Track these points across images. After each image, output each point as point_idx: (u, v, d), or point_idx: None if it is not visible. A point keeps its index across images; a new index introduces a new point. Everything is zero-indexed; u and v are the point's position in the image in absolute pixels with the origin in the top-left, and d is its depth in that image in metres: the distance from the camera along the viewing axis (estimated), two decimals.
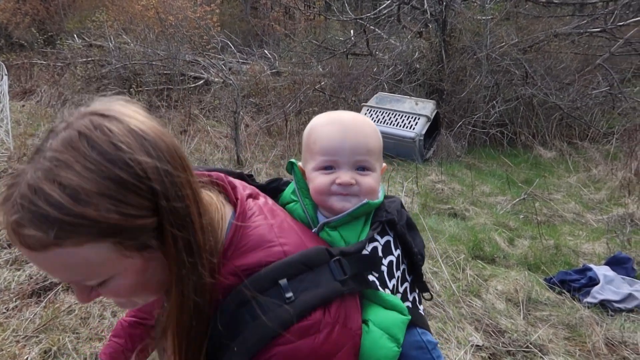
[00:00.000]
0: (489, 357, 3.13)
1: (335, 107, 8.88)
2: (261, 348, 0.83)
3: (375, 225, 1.11)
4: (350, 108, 8.64)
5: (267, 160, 6.61)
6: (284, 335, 0.83)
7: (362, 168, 1.10)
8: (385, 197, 1.23)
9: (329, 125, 1.12)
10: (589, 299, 3.70)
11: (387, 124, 7.32)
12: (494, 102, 8.39)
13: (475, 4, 10.59)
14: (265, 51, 12.62)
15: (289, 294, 0.87)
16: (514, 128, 8.51)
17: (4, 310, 3.26)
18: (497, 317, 3.52)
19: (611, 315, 3.58)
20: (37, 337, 2.99)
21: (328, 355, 0.87)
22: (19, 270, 3.78)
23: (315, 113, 7.95)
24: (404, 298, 1.14)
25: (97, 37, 13.12)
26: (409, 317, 1.05)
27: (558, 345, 3.25)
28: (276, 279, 0.87)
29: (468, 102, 8.65)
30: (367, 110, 7.61)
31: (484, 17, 9.04)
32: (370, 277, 1.04)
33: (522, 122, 8.55)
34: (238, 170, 1.21)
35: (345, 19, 10.60)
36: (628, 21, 9.26)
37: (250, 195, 1.01)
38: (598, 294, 3.71)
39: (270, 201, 1.06)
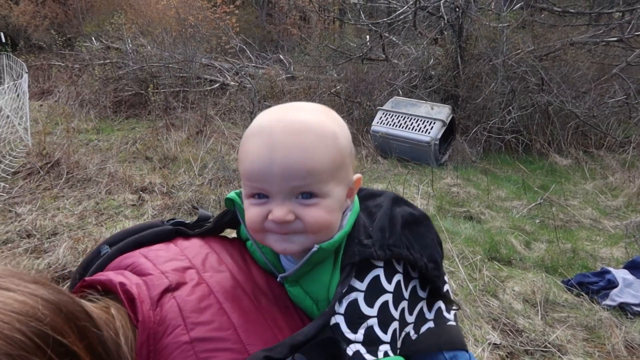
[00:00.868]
0: (507, 356, 3.11)
1: (350, 112, 8.92)
2: None
3: (346, 271, 0.85)
4: (365, 112, 8.67)
5: None
6: None
7: (305, 195, 0.82)
8: (370, 196, 1.01)
9: (255, 138, 0.83)
10: (607, 302, 3.66)
11: (402, 127, 7.33)
12: (510, 108, 8.36)
13: (491, 11, 10.59)
14: (281, 56, 12.72)
15: None
16: (530, 135, 8.47)
17: None
18: (515, 316, 3.49)
19: (630, 319, 3.54)
20: None
21: None
22: (38, 258, 3.84)
23: None
24: (421, 320, 0.95)
25: (115, 40, 13.31)
26: None
27: (577, 346, 3.21)
28: None
29: (483, 109, 8.63)
30: (383, 114, 7.62)
31: (500, 25, 9.04)
32: (365, 325, 0.83)
33: (538, 129, 8.50)
34: (171, 224, 0.99)
35: (361, 24, 10.66)
36: None
37: (165, 291, 0.81)
38: (617, 296, 3.67)
39: (200, 281, 0.84)
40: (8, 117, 8.02)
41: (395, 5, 11.17)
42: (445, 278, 1.03)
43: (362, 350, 0.82)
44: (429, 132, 7.15)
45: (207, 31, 11.24)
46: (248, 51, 12.39)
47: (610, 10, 10.59)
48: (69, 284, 0.99)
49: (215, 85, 10.87)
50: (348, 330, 0.83)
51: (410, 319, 0.92)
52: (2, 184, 5.51)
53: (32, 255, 3.88)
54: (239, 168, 0.87)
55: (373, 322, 0.84)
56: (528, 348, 3.16)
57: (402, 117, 7.46)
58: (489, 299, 3.69)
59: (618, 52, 9.99)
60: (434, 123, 7.24)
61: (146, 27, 13.38)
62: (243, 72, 11.23)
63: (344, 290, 0.84)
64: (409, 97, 8.53)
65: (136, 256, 0.89)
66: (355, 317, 0.84)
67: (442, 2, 9.27)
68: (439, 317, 0.96)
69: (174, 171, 6.23)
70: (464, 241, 4.64)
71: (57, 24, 19.13)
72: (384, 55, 10.10)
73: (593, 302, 3.69)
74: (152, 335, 0.77)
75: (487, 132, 8.24)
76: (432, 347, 0.93)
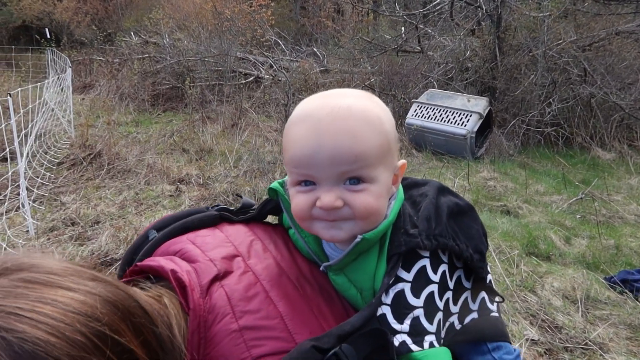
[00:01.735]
0: (545, 352, 3.04)
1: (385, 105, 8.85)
2: None
3: (393, 261, 0.85)
4: (400, 105, 8.59)
5: None
6: None
7: (353, 180, 0.81)
8: (414, 185, 1.00)
9: (299, 125, 0.82)
10: None
11: (438, 120, 7.22)
12: (550, 100, 8.12)
13: (531, 0, 10.29)
14: (315, 49, 12.72)
15: None
16: (571, 128, 8.21)
17: None
18: (554, 313, 3.40)
19: None
20: None
21: None
22: (82, 245, 3.98)
23: None
24: (465, 310, 0.94)
25: (153, 35, 13.61)
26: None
27: (619, 344, 3.11)
28: None
29: (522, 101, 8.42)
30: (418, 106, 7.53)
31: (540, 14, 8.77)
32: (410, 316, 0.83)
33: (580, 121, 8.23)
34: (216, 210, 1.00)
35: (396, 15, 10.53)
36: None
37: (214, 279, 0.83)
38: None
39: (246, 269, 0.85)
40: (53, 110, 8.33)
41: None
42: (488, 269, 1.01)
43: (408, 340, 0.82)
44: (465, 125, 7.03)
45: (243, 24, 11.34)
46: (282, 44, 12.44)
47: None
48: (118, 268, 1.00)
49: (250, 79, 10.97)
50: (394, 321, 0.82)
51: (454, 309, 0.92)
52: (48, 174, 5.73)
53: (77, 242, 4.03)
54: (284, 156, 0.86)
55: (419, 312, 0.83)
56: (568, 345, 3.08)
57: (437, 109, 7.35)
58: (527, 295, 3.61)
59: None
60: (471, 116, 7.11)
61: (183, 21, 13.61)
62: (277, 66, 11.29)
63: (390, 281, 0.83)
64: (444, 90, 8.40)
65: (184, 242, 0.90)
66: (401, 308, 0.83)
67: None
68: (482, 308, 0.95)
69: (210, 163, 6.33)
70: (501, 235, 4.55)
71: (98, 20, 19.69)
72: (419, 47, 9.97)
73: (637, 300, 3.56)
74: (203, 323, 0.78)
75: (526, 125, 8.03)
76: (475, 337, 0.93)
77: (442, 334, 0.88)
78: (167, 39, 12.26)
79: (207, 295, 0.80)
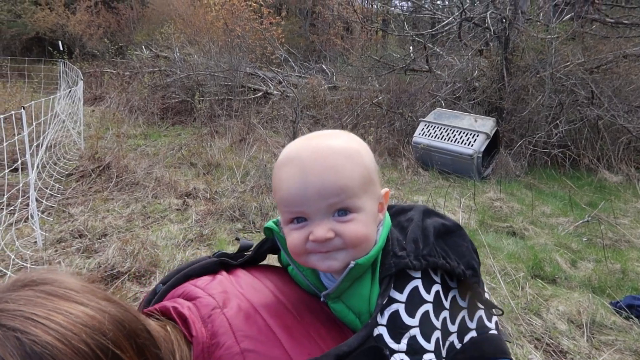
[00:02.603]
0: None
1: (392, 123, 8.91)
2: None
3: (385, 283, 0.88)
4: (407, 123, 8.64)
5: None
6: None
7: (341, 212, 0.87)
8: (401, 211, 1.04)
9: (286, 167, 0.89)
10: None
11: (445, 139, 7.26)
12: (557, 122, 8.14)
13: (539, 22, 10.37)
14: (323, 66, 12.85)
15: None
16: (578, 150, 8.21)
17: None
18: (559, 337, 3.38)
19: None
20: None
21: None
22: (89, 258, 4.00)
23: (372, 127, 8.03)
24: (463, 329, 0.96)
25: (164, 49, 13.80)
26: None
27: None
28: None
29: (529, 122, 8.44)
30: (425, 125, 7.57)
31: (548, 36, 8.84)
32: (404, 340, 0.86)
33: (587, 144, 8.24)
34: (216, 256, 1.05)
35: (405, 35, 10.64)
36: None
37: (214, 308, 0.87)
38: None
39: (245, 302, 0.90)
40: (64, 121, 8.43)
41: (440, 17, 11.10)
42: (484, 285, 1.03)
43: (406, 359, 0.84)
44: (472, 145, 7.05)
45: (253, 41, 11.50)
46: (291, 61, 12.58)
47: None
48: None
49: (259, 94, 11.07)
50: (391, 341, 0.86)
51: (452, 328, 0.93)
52: (57, 185, 5.79)
53: (84, 255, 4.06)
54: (274, 197, 0.93)
55: (415, 331, 0.86)
56: None
57: (444, 129, 7.39)
58: (532, 318, 3.59)
59: None
60: (477, 135, 7.14)
61: (194, 36, 13.80)
62: (286, 82, 11.40)
63: (384, 302, 0.87)
64: (451, 109, 8.44)
65: (186, 286, 0.97)
66: (397, 328, 0.86)
67: (488, 13, 9.16)
68: (481, 327, 0.97)
69: (218, 177, 6.38)
70: (507, 257, 4.54)
71: (110, 33, 20.00)
72: (427, 67, 10.05)
73: None
74: (207, 349, 0.82)
75: (533, 146, 8.04)
76: (475, 356, 0.94)
77: (443, 353, 0.91)
78: (178, 54, 12.43)
79: (209, 323, 0.85)
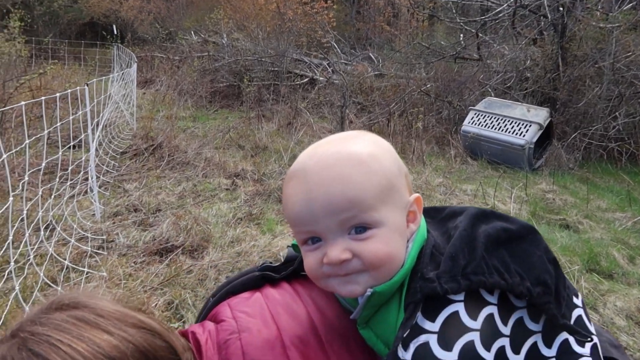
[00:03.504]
0: None
1: (439, 111, 8.76)
2: None
3: (409, 311, 0.76)
4: (455, 112, 8.47)
5: None
6: None
7: (359, 229, 0.77)
8: (452, 215, 0.89)
9: (291, 182, 0.80)
10: None
11: (495, 129, 7.08)
12: (616, 114, 7.80)
13: (599, 11, 9.91)
14: (370, 54, 12.73)
15: None
16: (637, 144, 7.84)
17: (133, 264, 3.58)
18: (617, 333, 3.27)
19: None
20: (161, 289, 3.25)
21: None
22: (144, 231, 4.14)
23: (419, 114, 7.92)
24: (535, 357, 0.78)
25: (212, 34, 14.00)
26: None
27: None
28: None
29: (584, 114, 8.12)
30: (475, 114, 7.40)
31: (608, 25, 8.44)
32: None
33: None
34: (259, 269, 1.01)
35: (455, 22, 10.40)
36: None
37: (232, 333, 0.86)
38: None
39: (270, 327, 0.86)
40: (117, 103, 8.71)
41: (492, 4, 10.77)
42: (577, 301, 0.85)
43: None
44: (524, 135, 6.85)
45: (305, 25, 11.52)
46: (338, 48, 12.53)
47: None
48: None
49: (305, 80, 11.10)
50: None
51: (516, 358, 0.76)
52: (113, 162, 6.00)
53: (140, 228, 4.20)
54: (284, 216, 0.85)
55: None
56: None
57: (495, 118, 7.20)
58: (588, 312, 3.48)
59: None
60: (530, 126, 6.93)
61: (242, 22, 13.94)
62: (332, 68, 11.37)
63: (405, 334, 0.75)
64: (502, 99, 8.21)
65: (223, 304, 0.96)
66: None
67: (544, 0, 8.82)
68: (565, 353, 0.79)
69: (265, 160, 6.45)
70: (560, 250, 4.41)
71: (160, 19, 20.43)
72: (477, 55, 9.80)
73: None
74: None
75: (588, 139, 7.74)
76: None
77: None
78: (226, 39, 12.59)
79: (224, 349, 0.84)
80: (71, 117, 3.83)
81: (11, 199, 2.04)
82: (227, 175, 5.83)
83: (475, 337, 0.73)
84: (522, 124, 6.96)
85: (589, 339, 0.80)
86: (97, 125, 6.20)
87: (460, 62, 10.08)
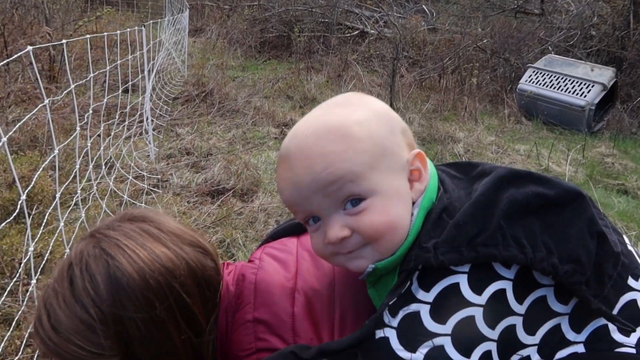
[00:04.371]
0: None
1: (494, 69, 8.41)
2: None
3: (400, 279, 0.73)
4: (512, 69, 8.11)
5: (420, 111, 6.52)
6: None
7: (354, 201, 0.74)
8: (481, 174, 0.82)
9: (280, 166, 0.80)
10: None
11: (554, 88, 6.75)
12: None
13: None
14: (424, 6, 12.24)
15: None
16: None
17: (186, 203, 3.71)
18: None
19: None
20: (213, 228, 3.36)
21: None
22: (197, 173, 4.26)
23: (474, 69, 7.62)
24: (556, 342, 0.72)
25: None
26: None
27: None
28: None
29: None
30: (534, 72, 7.06)
31: None
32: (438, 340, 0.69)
33: None
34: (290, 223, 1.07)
35: None
36: None
37: (253, 268, 0.94)
38: None
39: (289, 276, 0.91)
40: (169, 50, 8.80)
41: None
42: (636, 284, 0.74)
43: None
44: (585, 96, 6.50)
45: None
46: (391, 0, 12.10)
47: None
48: None
49: (355, 32, 10.84)
50: (400, 347, 0.70)
51: (529, 339, 0.71)
52: (165, 107, 6.13)
53: (192, 170, 4.32)
54: None
55: (443, 340, 0.69)
56: None
57: (555, 76, 6.85)
58: None
59: None
60: (592, 86, 6.56)
61: None
62: (383, 21, 11.03)
63: (391, 302, 0.72)
64: (563, 57, 7.78)
65: (260, 248, 1.03)
66: (414, 334, 0.70)
67: None
68: (601, 340, 0.71)
69: None
70: (617, 215, 4.25)
71: None
72: (540, 9, 9.26)
73: None
74: (231, 308, 0.89)
75: None
76: None
77: None
78: None
79: (241, 281, 0.91)
80: (130, 57, 3.90)
81: (78, 129, 2.12)
82: (276, 124, 5.86)
83: (476, 312, 0.69)
84: (584, 84, 6.60)
85: (631, 329, 0.71)
86: (152, 70, 6.31)
87: (520, 16, 9.56)
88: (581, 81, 6.65)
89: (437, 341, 0.69)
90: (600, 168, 5.37)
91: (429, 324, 0.70)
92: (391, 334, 0.71)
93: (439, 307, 0.70)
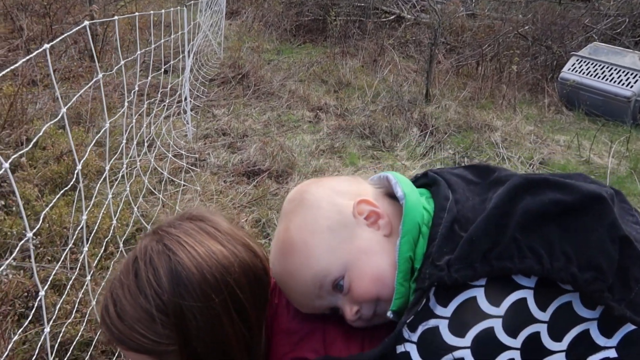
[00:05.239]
0: None
1: (535, 56, 8.17)
2: None
3: (415, 297, 0.74)
4: (553, 58, 7.88)
5: (456, 99, 6.42)
6: None
7: (338, 286, 0.82)
8: (496, 182, 0.81)
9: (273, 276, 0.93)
10: None
11: (599, 77, 6.52)
12: None
13: None
14: None
15: None
16: None
17: (223, 182, 3.77)
18: None
19: None
20: (249, 208, 3.42)
21: None
22: (233, 153, 4.32)
23: (515, 56, 7.43)
24: (585, 347, 0.70)
25: None
26: None
27: None
28: None
29: None
30: (577, 60, 6.84)
31: None
32: None
33: None
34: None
35: None
36: None
37: None
38: None
39: None
40: (205, 32, 8.88)
41: None
42: None
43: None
44: (632, 86, 6.27)
45: None
46: None
47: None
48: None
49: (391, 17, 10.69)
50: None
51: (556, 346, 0.69)
52: (202, 88, 6.21)
53: (229, 150, 4.38)
54: None
55: (464, 353, 0.69)
56: None
57: (600, 65, 6.62)
58: None
59: None
60: None
61: None
62: (421, 6, 10.84)
63: (408, 320, 0.74)
64: (610, 45, 7.50)
65: None
66: (433, 347, 0.72)
67: None
68: (632, 344, 0.70)
69: (348, 95, 6.40)
70: None
71: None
72: None
73: None
74: (269, 315, 0.94)
75: None
76: None
77: None
78: None
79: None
80: (172, 36, 3.96)
81: (126, 104, 2.18)
82: (311, 108, 5.87)
83: (495, 323, 0.69)
84: (631, 74, 6.36)
85: None
86: (190, 51, 6.39)
87: (565, 2, 9.25)
88: (628, 71, 6.41)
89: (457, 354, 0.70)
90: None
91: (448, 338, 0.71)
92: (412, 349, 0.73)
93: (457, 321, 0.71)
